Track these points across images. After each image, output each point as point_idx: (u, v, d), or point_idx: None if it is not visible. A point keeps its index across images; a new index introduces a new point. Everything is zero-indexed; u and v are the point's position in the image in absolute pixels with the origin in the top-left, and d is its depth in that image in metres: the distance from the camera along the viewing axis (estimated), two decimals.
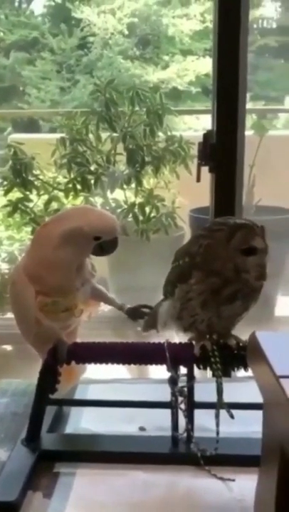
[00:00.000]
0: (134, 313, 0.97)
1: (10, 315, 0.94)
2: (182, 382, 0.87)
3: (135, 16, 6.17)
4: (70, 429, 0.96)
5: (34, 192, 2.69)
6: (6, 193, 2.67)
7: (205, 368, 0.87)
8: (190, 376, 0.87)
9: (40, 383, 0.89)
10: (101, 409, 0.97)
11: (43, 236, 0.89)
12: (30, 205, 2.68)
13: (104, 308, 1.00)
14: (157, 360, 0.87)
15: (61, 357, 0.88)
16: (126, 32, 6.14)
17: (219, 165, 1.63)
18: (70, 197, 2.71)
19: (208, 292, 0.81)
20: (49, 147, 2.74)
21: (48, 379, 0.89)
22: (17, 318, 0.91)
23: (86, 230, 0.85)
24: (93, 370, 0.98)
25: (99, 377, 1.13)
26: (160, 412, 0.89)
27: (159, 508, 0.78)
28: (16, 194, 2.69)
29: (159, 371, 0.90)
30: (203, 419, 0.87)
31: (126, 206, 2.78)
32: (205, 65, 5.80)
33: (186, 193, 2.78)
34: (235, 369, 0.86)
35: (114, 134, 2.76)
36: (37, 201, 2.70)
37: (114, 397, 0.97)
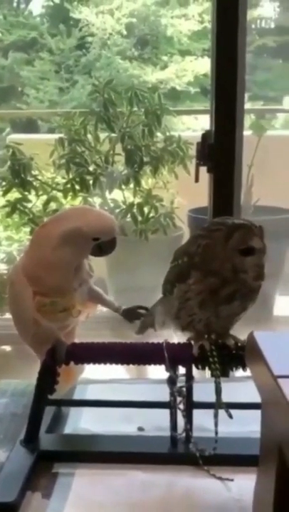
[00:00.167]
0: (130, 315, 0.97)
1: (9, 315, 0.94)
2: (181, 382, 0.87)
3: (134, 16, 6.17)
4: (68, 429, 0.96)
5: (33, 192, 2.69)
6: (5, 193, 2.67)
7: (203, 368, 0.87)
8: (188, 376, 0.87)
9: (39, 384, 0.89)
10: (100, 409, 0.97)
11: (41, 236, 0.89)
12: (29, 205, 2.68)
13: (103, 308, 0.99)
14: (156, 360, 0.88)
15: (60, 357, 0.88)
16: (124, 32, 6.14)
17: (217, 165, 1.63)
18: (69, 197, 2.71)
19: (206, 292, 0.81)
20: (48, 147, 2.74)
21: (47, 379, 0.89)
22: (15, 318, 0.91)
23: (85, 230, 0.85)
24: (92, 371, 0.98)
25: (98, 377, 1.13)
26: (159, 412, 0.89)
27: (158, 508, 0.78)
28: (14, 194, 2.69)
29: (158, 371, 0.90)
30: (202, 419, 0.87)
31: (124, 206, 2.78)
32: (203, 65, 5.80)
33: (184, 193, 2.78)
34: (234, 369, 0.86)
35: (113, 135, 2.76)
36: (35, 202, 2.70)
37: (113, 397, 0.97)
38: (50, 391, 0.89)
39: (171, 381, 0.87)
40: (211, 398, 0.84)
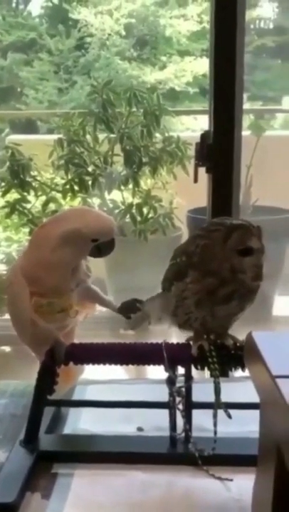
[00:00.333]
0: (126, 309, 0.96)
1: (8, 316, 0.94)
2: (180, 382, 0.87)
3: (132, 17, 6.18)
4: (68, 429, 0.96)
5: (32, 193, 2.69)
6: (4, 194, 2.67)
7: (203, 368, 0.87)
8: (188, 376, 0.87)
9: (38, 384, 0.89)
10: (99, 409, 0.97)
11: (40, 237, 0.89)
12: (28, 206, 2.68)
13: (102, 309, 0.99)
14: (155, 360, 0.88)
15: (59, 358, 0.88)
16: (123, 33, 6.15)
17: (216, 165, 1.63)
18: (68, 198, 2.71)
19: (203, 292, 0.82)
20: (47, 148, 2.74)
21: (46, 380, 0.89)
22: (13, 319, 0.91)
23: (84, 231, 0.86)
24: (91, 371, 0.98)
25: (97, 377, 1.13)
26: (158, 412, 0.89)
27: (158, 508, 0.78)
28: (13, 195, 2.69)
29: (157, 371, 0.90)
30: (201, 419, 0.87)
31: (123, 207, 2.78)
32: (202, 66, 5.80)
33: (183, 193, 2.78)
34: (233, 369, 0.86)
35: (112, 135, 2.76)
36: (35, 202, 2.70)
37: (113, 397, 0.97)
38: (50, 391, 0.89)
39: (171, 381, 0.87)
40: (210, 398, 0.85)
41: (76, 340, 0.94)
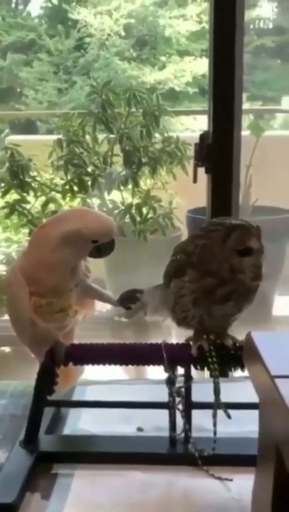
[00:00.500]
0: (127, 299, 0.96)
1: (8, 317, 0.94)
2: (180, 382, 0.88)
3: (132, 17, 6.18)
4: (68, 430, 0.96)
5: (31, 193, 2.69)
6: (3, 194, 2.67)
7: (202, 369, 0.87)
8: (187, 376, 0.87)
9: (38, 385, 0.89)
10: (99, 410, 0.97)
11: (40, 237, 0.89)
12: (28, 206, 2.68)
13: (102, 309, 1.00)
14: (155, 360, 0.88)
15: (59, 358, 0.88)
16: (123, 33, 6.15)
17: (216, 166, 1.63)
18: (67, 198, 2.71)
19: (200, 291, 0.82)
20: (46, 149, 2.74)
21: (46, 380, 0.89)
22: (12, 320, 0.91)
23: (84, 232, 0.86)
24: (91, 372, 0.98)
25: (97, 378, 1.13)
26: (158, 412, 0.89)
27: (158, 508, 0.78)
28: (13, 196, 2.69)
29: (157, 372, 0.90)
30: (201, 419, 0.87)
31: (123, 207, 2.78)
32: (202, 66, 5.81)
33: (183, 193, 2.78)
34: (233, 369, 0.86)
35: (111, 136, 2.76)
36: (34, 203, 2.70)
37: (112, 398, 0.97)
38: (49, 392, 0.89)
39: (170, 381, 0.87)
40: (210, 398, 0.85)
41: (76, 341, 0.94)
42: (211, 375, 0.85)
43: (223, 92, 1.60)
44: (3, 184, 2.67)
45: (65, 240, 0.85)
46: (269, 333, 0.67)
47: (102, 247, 0.89)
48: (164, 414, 0.88)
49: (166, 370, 0.87)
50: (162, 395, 0.88)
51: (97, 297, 0.97)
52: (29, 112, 6.12)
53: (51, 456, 0.89)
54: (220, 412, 0.84)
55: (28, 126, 5.83)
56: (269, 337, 0.66)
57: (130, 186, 2.77)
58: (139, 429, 0.95)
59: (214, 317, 0.84)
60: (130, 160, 2.70)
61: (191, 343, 0.87)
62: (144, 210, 2.73)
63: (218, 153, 1.63)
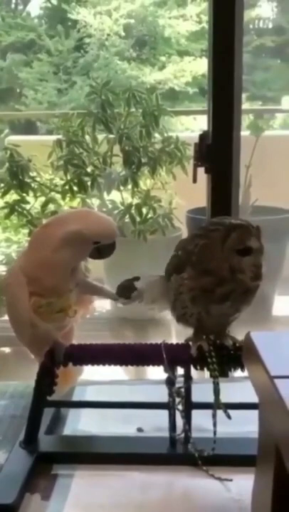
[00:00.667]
0: (126, 289, 0.96)
1: (7, 317, 0.94)
2: (179, 382, 0.87)
3: (131, 17, 6.18)
4: (68, 430, 0.96)
5: (31, 194, 2.69)
6: (3, 195, 2.67)
7: (202, 369, 0.87)
8: (187, 377, 0.87)
9: (37, 385, 0.89)
10: (99, 410, 0.97)
11: (41, 238, 0.89)
12: (27, 207, 2.68)
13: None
14: (154, 361, 0.88)
15: (58, 359, 0.88)
16: (122, 33, 6.15)
17: (215, 166, 1.63)
18: (67, 199, 2.71)
19: (198, 290, 0.82)
20: (46, 149, 2.74)
21: (46, 381, 0.89)
22: (12, 320, 0.91)
23: (86, 233, 0.86)
24: (91, 372, 0.98)
25: (96, 378, 1.13)
26: (158, 412, 0.89)
27: (158, 508, 0.78)
28: (12, 196, 2.69)
29: (157, 372, 0.90)
30: (201, 419, 0.87)
31: (123, 207, 2.78)
32: (202, 66, 5.81)
33: (182, 193, 2.78)
34: (232, 369, 0.86)
35: (111, 136, 2.76)
36: (34, 203, 2.70)
37: (112, 398, 0.97)
38: (49, 392, 0.89)
39: (170, 382, 0.87)
40: (210, 399, 0.85)
41: (76, 341, 0.94)
42: (210, 376, 0.85)
43: (223, 92, 1.60)
44: (2, 184, 2.67)
45: (67, 241, 0.86)
46: (268, 333, 0.67)
47: (102, 249, 0.89)
48: (164, 414, 0.88)
49: (166, 371, 0.87)
50: (162, 395, 0.88)
51: (96, 292, 0.97)
52: (29, 112, 6.12)
53: (51, 457, 0.89)
54: (220, 412, 0.84)
55: (27, 127, 5.83)
56: (268, 337, 0.66)
57: (130, 186, 2.77)
58: (139, 430, 0.95)
59: (212, 316, 0.84)
60: (130, 160, 2.70)
61: (190, 343, 0.87)
62: (144, 211, 2.73)
63: (218, 153, 1.63)
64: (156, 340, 0.90)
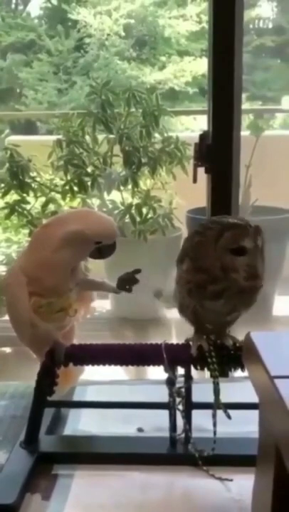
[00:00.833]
0: (125, 281, 0.96)
1: (8, 317, 0.94)
2: (180, 383, 0.88)
3: (131, 17, 6.18)
4: (68, 430, 0.96)
5: (31, 194, 2.69)
6: (3, 195, 2.67)
7: (202, 369, 0.87)
8: (187, 377, 0.87)
9: (38, 385, 0.89)
10: (99, 410, 0.97)
11: (42, 237, 0.89)
12: (28, 207, 2.68)
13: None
14: (155, 361, 0.88)
15: (59, 359, 0.88)
16: (122, 33, 6.15)
17: (215, 166, 1.63)
18: (67, 199, 2.71)
19: (193, 284, 0.82)
20: (46, 149, 2.74)
21: (46, 381, 0.89)
22: (12, 320, 0.91)
23: (88, 233, 0.86)
24: (91, 372, 0.98)
25: (97, 378, 1.13)
26: (158, 412, 0.89)
27: (158, 508, 0.79)
28: (13, 196, 2.69)
29: (157, 372, 0.90)
30: (201, 419, 0.87)
31: (123, 207, 2.78)
32: (202, 66, 5.81)
33: (183, 193, 2.77)
34: (232, 369, 0.86)
35: (111, 136, 2.76)
36: (34, 203, 2.70)
37: (113, 398, 0.97)
38: (50, 393, 0.89)
39: (170, 382, 0.87)
40: (210, 399, 0.85)
41: (76, 341, 0.94)
42: (211, 375, 0.85)
43: (223, 92, 1.60)
44: (3, 185, 2.66)
45: (68, 241, 0.86)
46: (268, 333, 0.67)
47: (103, 249, 0.89)
48: (164, 414, 0.88)
49: (166, 371, 0.87)
50: (162, 395, 0.88)
51: (97, 288, 0.98)
52: (29, 112, 6.12)
53: (51, 457, 0.89)
54: (220, 412, 0.84)
55: (28, 127, 5.83)
56: (268, 337, 0.66)
57: (130, 186, 2.77)
58: (140, 430, 0.95)
59: (207, 311, 0.84)
60: (130, 160, 2.69)
61: (191, 343, 0.87)
62: (144, 211, 2.73)
63: (218, 153, 1.62)
64: (156, 340, 0.90)
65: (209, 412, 0.84)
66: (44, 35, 6.36)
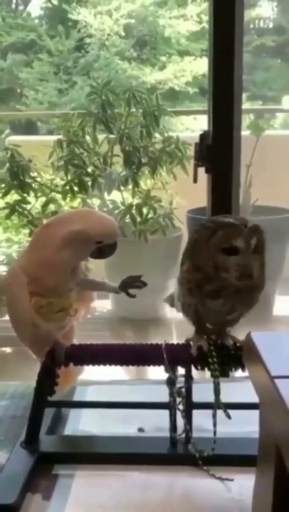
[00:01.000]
0: (128, 284, 0.96)
1: (8, 317, 0.94)
2: (180, 383, 0.88)
3: (132, 17, 6.18)
4: (68, 430, 0.96)
5: (32, 194, 2.69)
6: (4, 195, 2.67)
7: (203, 369, 0.87)
8: (188, 377, 0.87)
9: (38, 385, 0.89)
10: (99, 410, 0.97)
11: (43, 237, 0.89)
12: (28, 207, 2.68)
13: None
14: (155, 361, 0.88)
15: (59, 359, 0.88)
16: (123, 33, 6.15)
17: (216, 165, 1.63)
18: (68, 199, 2.71)
19: (192, 283, 0.82)
20: (46, 149, 2.74)
21: (47, 381, 0.89)
22: (13, 320, 0.91)
23: (89, 233, 0.86)
24: (92, 372, 0.98)
25: (97, 378, 1.13)
26: (158, 412, 0.89)
27: (158, 508, 0.79)
28: (13, 196, 2.69)
29: (157, 372, 0.90)
30: (201, 419, 0.87)
31: (123, 207, 2.78)
32: (202, 66, 5.81)
33: (183, 193, 2.77)
34: (233, 369, 0.86)
35: (111, 136, 2.76)
36: (34, 203, 2.70)
37: (113, 398, 0.97)
38: (50, 392, 0.89)
39: (171, 382, 0.87)
40: (211, 399, 0.85)
41: (76, 341, 0.94)
42: (211, 375, 0.85)
43: (223, 91, 1.60)
44: (3, 185, 2.66)
45: (69, 241, 0.86)
46: (269, 333, 0.67)
47: (104, 249, 0.89)
48: (164, 414, 0.88)
49: (166, 371, 0.87)
50: (163, 395, 0.88)
51: (98, 288, 0.98)
52: (29, 112, 6.12)
53: (52, 457, 0.89)
54: (220, 412, 0.84)
55: (28, 127, 5.83)
56: (269, 337, 0.66)
57: (130, 186, 2.77)
58: (140, 430, 0.95)
59: (208, 310, 0.84)
60: (130, 160, 2.69)
61: (191, 343, 0.87)
62: (145, 211, 2.73)
63: (218, 153, 1.62)
64: (156, 340, 0.90)
65: (209, 412, 0.84)
66: (44, 35, 6.36)
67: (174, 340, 0.90)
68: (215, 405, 0.84)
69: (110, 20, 6.07)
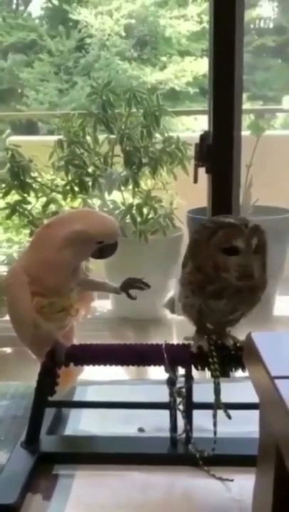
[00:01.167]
0: (128, 285, 0.96)
1: (9, 317, 0.94)
2: (180, 383, 0.88)
3: (132, 17, 6.18)
4: (69, 431, 0.96)
5: (32, 194, 2.69)
6: (4, 195, 2.67)
7: (203, 369, 0.87)
8: (188, 377, 0.87)
9: (39, 385, 0.90)
10: (100, 410, 0.97)
11: (44, 237, 0.89)
12: (29, 207, 2.68)
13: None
14: (155, 361, 0.88)
15: (59, 359, 0.88)
16: (123, 33, 6.15)
17: (216, 166, 1.63)
18: (68, 199, 2.71)
19: (195, 284, 0.82)
20: (47, 149, 2.74)
21: (47, 381, 0.89)
22: (13, 320, 0.91)
23: (91, 233, 0.86)
24: (91, 372, 0.98)
25: (97, 378, 1.13)
26: (159, 413, 0.89)
27: (158, 508, 0.79)
28: (14, 197, 2.69)
29: (158, 372, 0.90)
30: (202, 419, 0.87)
31: (124, 208, 2.78)
32: (202, 66, 5.81)
33: (183, 194, 2.77)
34: (233, 369, 0.86)
35: (112, 136, 2.76)
36: (35, 203, 2.70)
37: (113, 398, 0.97)
38: (50, 393, 0.89)
39: (171, 382, 0.87)
40: (211, 399, 0.85)
41: (76, 341, 0.94)
42: (211, 376, 0.85)
43: (224, 92, 1.60)
44: (4, 185, 2.66)
45: (70, 241, 0.86)
46: (269, 333, 0.67)
47: (105, 248, 0.90)
48: (164, 414, 0.88)
49: (166, 371, 0.87)
50: (163, 395, 0.88)
51: (99, 288, 0.98)
52: (30, 112, 6.11)
53: (52, 457, 0.89)
54: (220, 412, 0.84)
55: (29, 127, 5.83)
56: (269, 337, 0.66)
57: (131, 187, 2.77)
58: (140, 430, 0.95)
59: (212, 310, 0.84)
60: (131, 160, 2.69)
61: (191, 342, 0.87)
62: (145, 211, 2.73)
63: (219, 154, 1.62)
64: (157, 340, 0.90)
65: (210, 412, 0.84)
66: (45, 35, 6.36)
67: (174, 341, 0.90)
68: (215, 405, 0.84)
69: (111, 21, 6.07)
